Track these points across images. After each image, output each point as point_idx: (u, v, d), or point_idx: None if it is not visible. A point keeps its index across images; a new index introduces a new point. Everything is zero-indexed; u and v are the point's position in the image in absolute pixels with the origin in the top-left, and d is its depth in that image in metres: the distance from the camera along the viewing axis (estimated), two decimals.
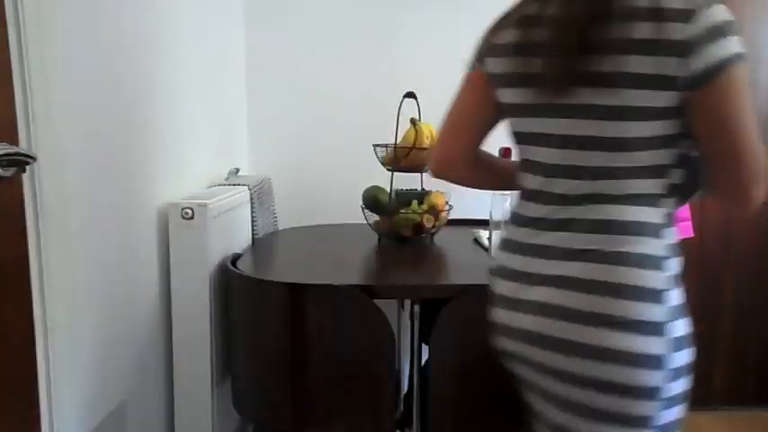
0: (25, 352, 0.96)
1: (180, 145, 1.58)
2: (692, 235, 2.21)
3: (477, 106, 1.04)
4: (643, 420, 0.84)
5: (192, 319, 1.45)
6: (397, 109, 1.71)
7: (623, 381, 0.83)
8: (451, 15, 2.18)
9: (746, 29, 2.21)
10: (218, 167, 1.90)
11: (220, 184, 1.79)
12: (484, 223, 1.74)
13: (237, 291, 1.41)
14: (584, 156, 0.87)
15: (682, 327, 0.86)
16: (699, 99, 0.82)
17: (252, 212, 1.78)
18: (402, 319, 2.06)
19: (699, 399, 2.47)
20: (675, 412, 0.87)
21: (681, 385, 0.86)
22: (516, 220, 0.97)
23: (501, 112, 1.00)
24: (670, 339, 0.83)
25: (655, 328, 0.82)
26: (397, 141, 1.76)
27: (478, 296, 1.31)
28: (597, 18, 0.83)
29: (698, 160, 0.91)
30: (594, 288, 0.84)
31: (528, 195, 0.96)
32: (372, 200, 1.78)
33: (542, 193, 0.93)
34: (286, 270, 1.55)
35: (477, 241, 1.78)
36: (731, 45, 0.82)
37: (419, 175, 1.90)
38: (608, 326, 0.83)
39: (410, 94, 1.77)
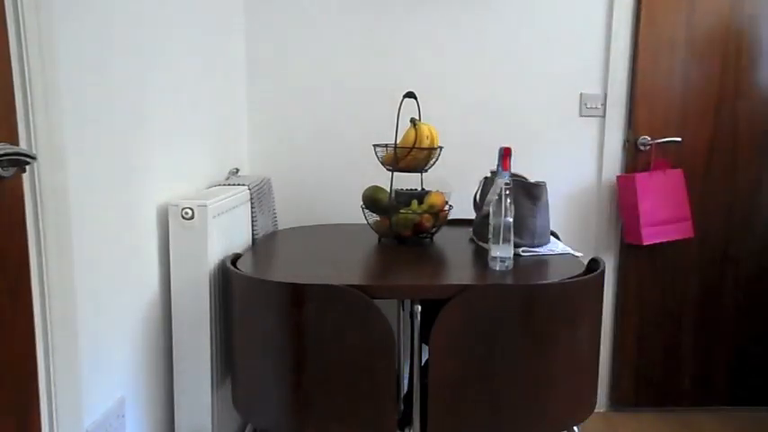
0: (25, 351, 0.96)
1: (180, 145, 1.58)
2: (692, 235, 2.22)
3: None
4: None
5: (191, 319, 1.45)
6: (397, 109, 1.71)
7: None
8: (451, 16, 2.18)
9: (747, 29, 2.21)
10: (218, 167, 1.90)
11: (220, 184, 1.79)
12: None
13: (237, 291, 1.41)
14: None
15: None
16: None
17: (252, 212, 1.78)
18: (402, 319, 2.06)
19: (699, 399, 2.49)
20: None
21: None
22: None
23: None
24: None
25: None
26: (397, 141, 1.76)
27: (478, 296, 1.32)
28: None
29: None
30: None
31: None
32: (372, 200, 1.78)
33: None
34: (286, 270, 1.55)
35: (473, 240, 1.78)
36: None
37: (419, 175, 1.90)
38: None
39: (410, 94, 1.77)
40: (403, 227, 1.73)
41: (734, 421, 2.31)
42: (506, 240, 1.43)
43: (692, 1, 2.19)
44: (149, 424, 1.41)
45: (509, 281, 1.38)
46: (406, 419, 1.53)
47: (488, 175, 1.83)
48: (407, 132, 1.77)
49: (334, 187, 2.25)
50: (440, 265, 1.58)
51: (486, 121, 2.23)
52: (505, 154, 1.47)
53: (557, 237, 1.87)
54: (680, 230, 2.20)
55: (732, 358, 2.38)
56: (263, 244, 1.81)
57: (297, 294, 1.31)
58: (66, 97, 1.05)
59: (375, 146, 1.82)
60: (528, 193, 1.68)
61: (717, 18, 2.20)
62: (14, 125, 0.92)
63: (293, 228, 2.07)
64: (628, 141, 2.25)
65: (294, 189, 2.24)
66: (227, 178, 1.93)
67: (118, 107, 1.24)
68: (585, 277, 1.38)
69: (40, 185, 0.97)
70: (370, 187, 1.81)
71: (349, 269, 1.49)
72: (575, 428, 1.47)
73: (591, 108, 2.24)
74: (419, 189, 1.90)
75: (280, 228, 2.14)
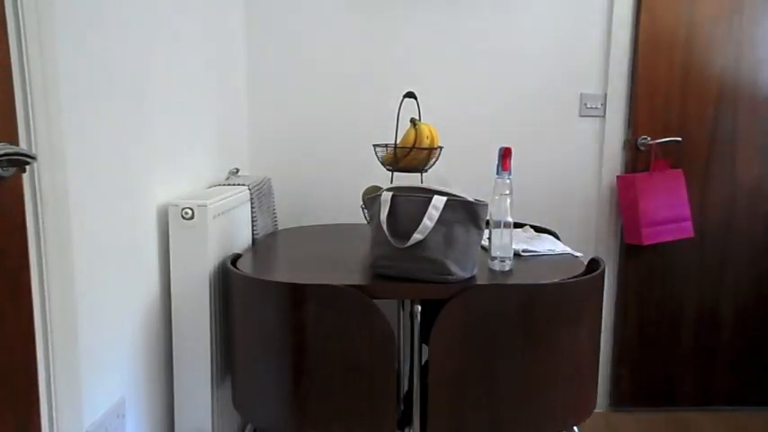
0: (25, 352, 0.96)
1: (180, 145, 1.58)
2: (692, 235, 2.22)
3: None
4: None
5: (192, 319, 1.45)
6: (397, 109, 1.71)
7: None
8: (451, 16, 2.18)
9: (746, 29, 2.21)
10: (218, 167, 1.90)
11: (220, 184, 1.79)
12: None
13: (237, 291, 1.41)
14: None
15: None
16: None
17: (252, 212, 1.78)
18: (402, 319, 2.06)
19: (699, 399, 2.48)
20: None
21: None
22: None
23: None
24: None
25: None
26: (397, 141, 1.76)
27: (478, 296, 1.32)
28: None
29: None
30: None
31: None
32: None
33: None
34: (286, 270, 1.55)
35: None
36: None
37: (419, 175, 1.90)
38: None
39: (410, 94, 1.77)
40: None
41: (734, 421, 2.31)
42: (506, 240, 1.43)
43: (692, 1, 2.19)
44: (149, 424, 1.41)
45: (509, 281, 1.38)
46: (406, 419, 1.53)
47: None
48: (407, 132, 1.77)
49: (334, 187, 2.25)
50: None
51: (486, 121, 2.23)
52: (505, 154, 1.47)
53: (557, 237, 1.87)
54: (680, 230, 2.20)
55: (732, 358, 2.38)
56: (263, 244, 1.81)
57: (297, 294, 1.31)
58: (66, 97, 1.05)
59: (375, 146, 1.82)
60: (473, 217, 1.37)
61: (717, 17, 2.20)
62: (14, 125, 0.92)
63: (293, 228, 2.07)
64: (628, 141, 2.25)
65: (294, 189, 2.24)
66: (227, 178, 1.93)
67: (118, 107, 1.24)
68: (585, 277, 1.38)
69: (40, 185, 0.97)
70: (370, 187, 1.81)
71: (349, 269, 1.49)
72: (575, 428, 1.47)
73: (591, 108, 2.24)
74: None
75: (280, 228, 2.14)
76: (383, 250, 1.38)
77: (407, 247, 1.33)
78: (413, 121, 1.78)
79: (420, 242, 1.33)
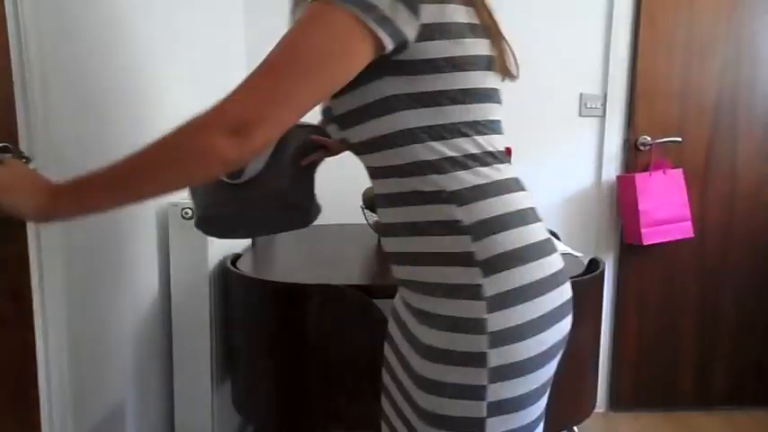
0: (25, 352, 0.96)
1: None
2: (692, 235, 2.22)
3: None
4: None
5: (192, 319, 1.45)
6: None
7: None
8: None
9: (746, 28, 2.21)
10: None
11: None
12: None
13: (237, 291, 1.41)
14: None
15: None
16: None
17: None
18: None
19: (699, 399, 2.47)
20: None
21: None
22: None
23: None
24: None
25: None
26: None
27: None
28: None
29: None
30: None
31: None
32: (372, 200, 1.78)
33: None
34: (286, 270, 1.55)
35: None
36: None
37: None
38: None
39: None
40: None
41: (734, 421, 2.31)
42: None
43: (692, 1, 2.19)
44: (149, 424, 1.41)
45: None
46: None
47: None
48: None
49: (333, 187, 2.24)
50: None
51: None
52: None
53: (557, 237, 1.87)
54: (680, 231, 2.20)
55: (732, 358, 2.38)
56: (263, 244, 1.81)
57: (297, 294, 1.31)
58: (66, 97, 1.04)
59: None
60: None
61: (716, 18, 2.20)
62: (14, 125, 0.92)
63: None
64: (628, 141, 2.25)
65: None
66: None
67: (118, 107, 1.24)
68: (585, 277, 1.38)
69: None
70: (370, 187, 1.80)
71: (349, 269, 1.49)
72: (574, 428, 1.47)
73: (591, 108, 2.24)
74: None
75: None
76: (212, 195, 1.05)
77: (244, 183, 1.06)
78: None
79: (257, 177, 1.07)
